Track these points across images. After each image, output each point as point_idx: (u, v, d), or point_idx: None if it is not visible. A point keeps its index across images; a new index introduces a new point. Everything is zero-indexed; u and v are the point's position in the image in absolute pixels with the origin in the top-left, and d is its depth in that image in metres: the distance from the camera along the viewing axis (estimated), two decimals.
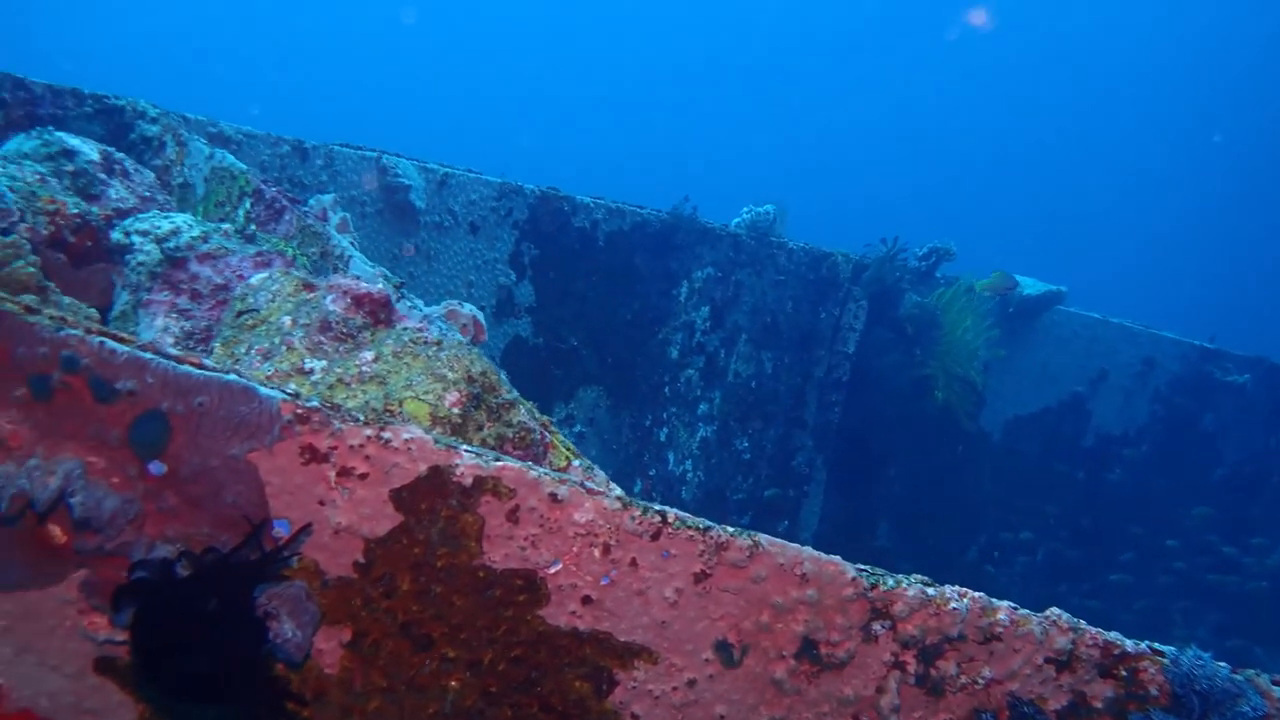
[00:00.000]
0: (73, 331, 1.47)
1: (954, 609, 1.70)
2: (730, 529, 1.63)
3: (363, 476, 1.59)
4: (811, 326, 6.77)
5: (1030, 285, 7.32)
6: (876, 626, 1.69)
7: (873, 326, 6.77)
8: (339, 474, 1.59)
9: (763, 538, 1.63)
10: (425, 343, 1.79)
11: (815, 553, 1.61)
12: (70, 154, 2.53)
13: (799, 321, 6.73)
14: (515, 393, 1.78)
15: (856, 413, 6.86)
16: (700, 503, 6.56)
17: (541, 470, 1.63)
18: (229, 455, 1.55)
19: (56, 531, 1.50)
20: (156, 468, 1.53)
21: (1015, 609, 1.75)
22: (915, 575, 1.63)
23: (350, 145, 4.53)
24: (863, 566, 1.62)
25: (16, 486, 1.40)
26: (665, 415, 6.34)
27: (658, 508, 1.63)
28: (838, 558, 1.60)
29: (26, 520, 1.46)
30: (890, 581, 1.63)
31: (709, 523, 1.63)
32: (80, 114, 3.22)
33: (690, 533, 1.63)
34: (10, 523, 1.45)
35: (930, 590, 1.64)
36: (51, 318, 1.46)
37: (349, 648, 1.63)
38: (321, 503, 1.59)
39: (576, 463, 1.75)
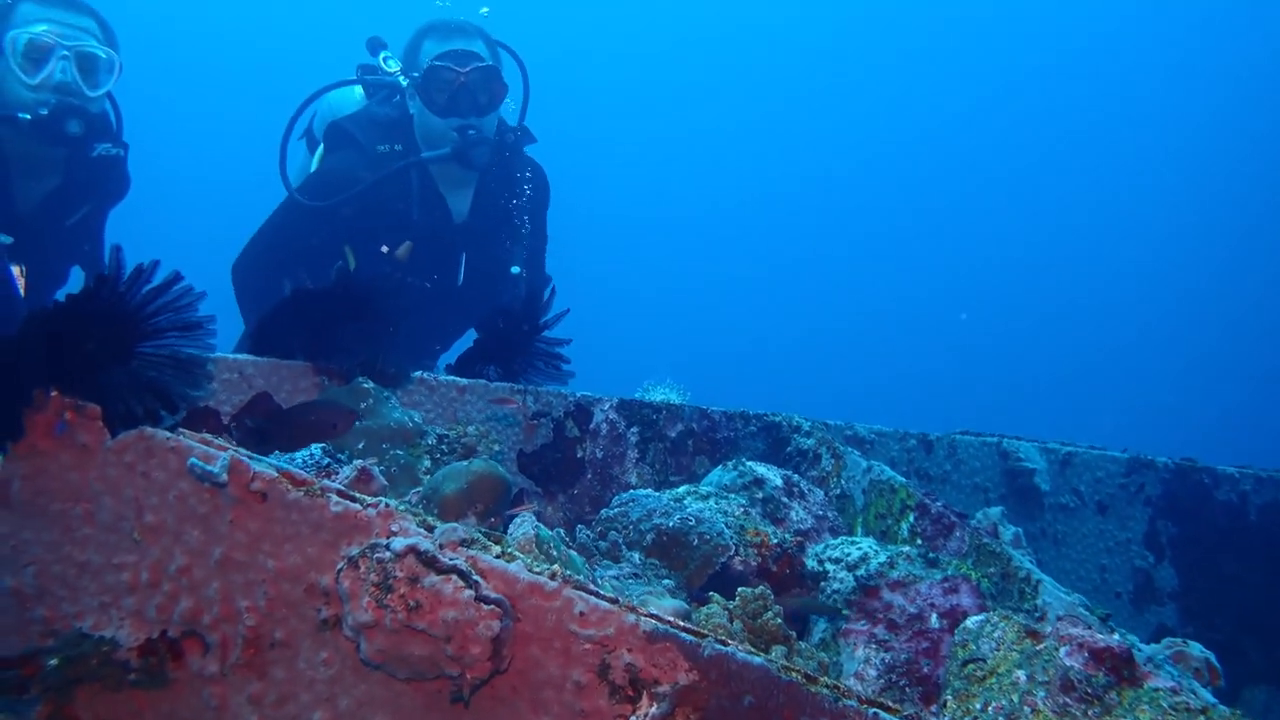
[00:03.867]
0: (849, 702, 1.51)
1: None
2: None
3: None
4: None
5: None
6: None
7: None
8: None
9: None
10: (1188, 710, 1.58)
11: None
12: (760, 482, 2.80)
13: None
14: None
15: None
16: None
17: None
18: None
19: None
20: None
21: None
22: None
23: (970, 432, 4.53)
24: None
25: None
26: None
27: None
28: None
29: None
30: None
31: None
32: (747, 433, 3.60)
33: None
34: None
35: None
36: (828, 687, 1.52)
37: None
38: None
39: None
